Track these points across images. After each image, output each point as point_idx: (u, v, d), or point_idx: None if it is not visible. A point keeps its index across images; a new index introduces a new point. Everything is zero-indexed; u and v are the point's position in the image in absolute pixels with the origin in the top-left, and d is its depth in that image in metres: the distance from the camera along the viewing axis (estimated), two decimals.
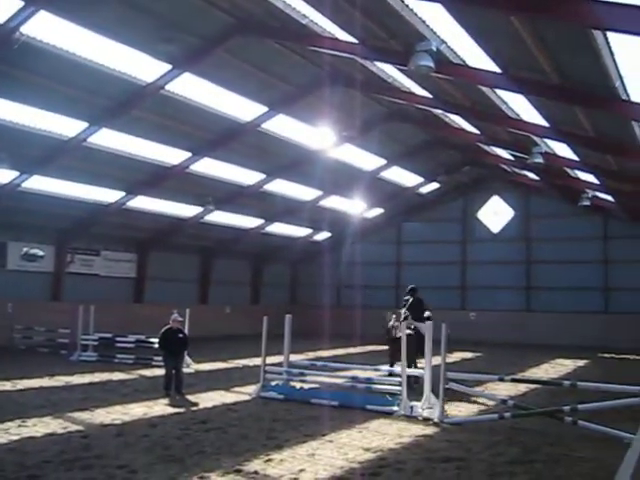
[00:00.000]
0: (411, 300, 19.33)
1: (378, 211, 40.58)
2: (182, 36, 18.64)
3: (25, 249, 28.93)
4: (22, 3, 16.01)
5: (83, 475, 8.27)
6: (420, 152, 31.28)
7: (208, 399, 14.77)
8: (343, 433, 11.23)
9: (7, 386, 15.99)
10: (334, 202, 36.71)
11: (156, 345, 20.41)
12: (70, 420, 11.87)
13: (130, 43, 18.58)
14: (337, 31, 18.18)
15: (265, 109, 24.15)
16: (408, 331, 14.68)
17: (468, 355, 27.69)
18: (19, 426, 11.20)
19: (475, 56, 16.55)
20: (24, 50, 17.30)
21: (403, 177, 35.46)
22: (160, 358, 20.70)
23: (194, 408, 13.62)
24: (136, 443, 10.11)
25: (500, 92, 19.24)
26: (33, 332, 25.73)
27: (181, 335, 15.83)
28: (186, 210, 31.96)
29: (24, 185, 24.77)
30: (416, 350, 15.77)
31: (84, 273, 31.29)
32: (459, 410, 13.78)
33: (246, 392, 15.53)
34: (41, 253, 29.52)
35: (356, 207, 38.09)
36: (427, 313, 17.90)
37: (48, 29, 17.58)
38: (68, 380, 17.38)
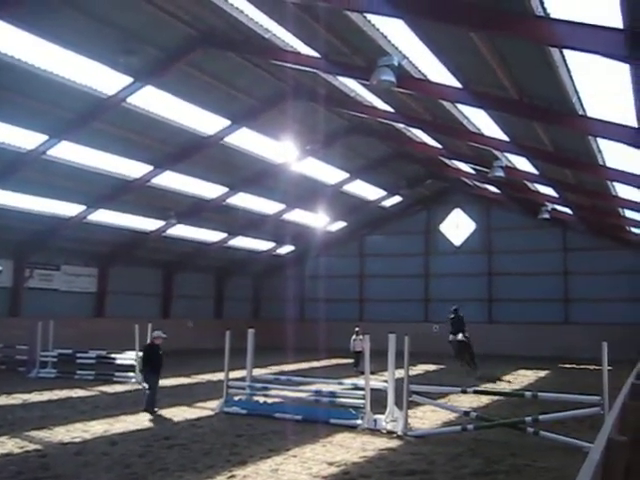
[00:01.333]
0: (453, 317, 25.66)
1: (341, 224, 40.72)
2: (144, 48, 18.56)
3: None
4: None
5: None
6: (383, 165, 31.51)
7: (171, 415, 14.59)
8: (307, 447, 11.18)
9: None
10: (297, 216, 36.76)
11: (128, 361, 20.30)
12: (28, 439, 11.61)
13: (91, 55, 18.43)
14: (300, 45, 18.26)
15: (228, 122, 24.12)
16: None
17: (431, 367, 27.81)
18: None
19: (436, 71, 16.78)
20: None
21: (366, 190, 35.66)
22: (119, 374, 20.64)
23: (156, 425, 13.43)
24: (96, 462, 9.93)
25: (461, 107, 19.50)
26: None
27: (161, 352, 15.60)
28: (148, 224, 31.70)
29: None
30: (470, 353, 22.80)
31: (44, 288, 30.78)
32: (422, 422, 13.83)
33: (209, 407, 15.39)
34: None
35: (319, 220, 38.20)
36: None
37: (7, 41, 17.35)
38: (26, 398, 17.01)
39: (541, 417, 11.38)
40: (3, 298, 29.07)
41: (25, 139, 21.96)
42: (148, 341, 15.51)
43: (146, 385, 15.41)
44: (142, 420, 13.85)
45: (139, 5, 16.72)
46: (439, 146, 25.45)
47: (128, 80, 20.00)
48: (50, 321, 22.72)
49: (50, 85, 19.30)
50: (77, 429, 12.66)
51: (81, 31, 17.27)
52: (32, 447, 10.96)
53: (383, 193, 36.53)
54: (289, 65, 19.16)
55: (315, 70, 19.14)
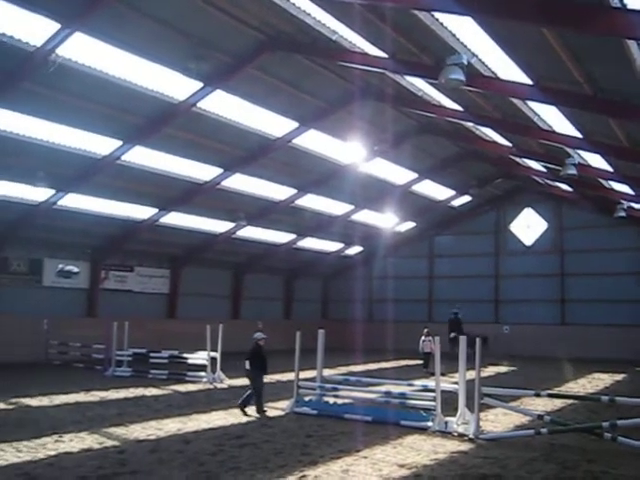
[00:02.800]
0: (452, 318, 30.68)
1: (410, 225, 40.46)
2: (213, 54, 18.86)
3: (60, 266, 29.37)
4: (58, 26, 16.34)
5: None
6: (452, 165, 31.17)
7: (242, 415, 14.77)
8: (377, 449, 11.15)
9: (44, 401, 16.18)
10: (365, 216, 36.71)
11: (200, 361, 20.65)
12: (106, 435, 11.96)
13: (162, 61, 18.88)
14: (367, 46, 18.27)
15: (296, 125, 24.30)
16: None
17: (502, 369, 27.36)
18: (56, 441, 11.32)
19: (506, 68, 16.53)
20: (59, 71, 17.65)
21: (435, 190, 35.35)
22: (191, 374, 21.02)
23: (228, 424, 13.63)
24: (171, 459, 10.15)
25: (532, 104, 19.12)
26: (68, 348, 26.04)
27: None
28: (218, 226, 32.19)
29: (60, 203, 25.20)
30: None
31: (118, 289, 31.65)
32: (494, 426, 13.61)
33: (280, 407, 15.50)
34: (76, 270, 29.93)
35: (388, 221, 38.06)
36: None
37: (83, 50, 17.95)
38: (103, 395, 17.53)
39: (619, 422, 11.04)
40: (80, 299, 30.03)
41: (100, 145, 22.68)
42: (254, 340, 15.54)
43: (252, 386, 15.42)
44: (214, 419, 14.08)
45: (208, 12, 17.03)
46: (509, 144, 25.03)
47: (198, 85, 20.38)
48: (125, 322, 23.33)
49: (124, 92, 19.85)
50: (152, 427, 12.96)
51: (153, 39, 17.73)
52: (110, 443, 11.29)
53: (452, 193, 36.14)
54: (356, 66, 19.19)
55: (382, 70, 19.11)
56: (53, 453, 10.41)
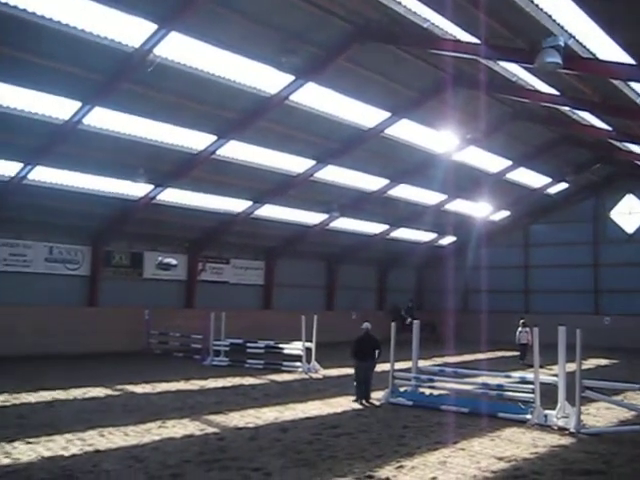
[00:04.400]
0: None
1: (504, 214, 39.61)
2: (304, 47, 19.00)
3: (160, 258, 30.37)
4: (155, 26, 16.86)
5: (221, 476, 8.57)
6: (547, 151, 30.30)
7: (337, 404, 14.91)
8: (475, 441, 11.03)
9: (147, 389, 16.85)
10: (459, 206, 36.18)
11: (295, 352, 21.00)
12: (206, 423, 12.34)
13: (255, 57, 19.16)
14: (459, 32, 17.99)
15: (388, 115, 24.20)
16: None
17: (603, 362, 26.46)
18: (160, 427, 11.77)
19: (606, 49, 15.90)
20: (157, 71, 18.20)
21: (530, 178, 34.44)
22: (287, 364, 21.37)
23: (324, 413, 13.78)
24: (269, 447, 10.37)
25: (635, 85, 18.34)
26: (168, 337, 26.90)
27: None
28: (312, 217, 32.46)
29: (158, 198, 26.02)
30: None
31: (215, 281, 32.43)
32: (596, 420, 13.21)
33: (375, 398, 15.53)
34: (175, 262, 30.88)
35: (481, 210, 37.39)
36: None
37: (179, 49, 18.41)
38: (202, 384, 18.05)
39: None
40: (179, 290, 30.98)
41: (196, 141, 23.22)
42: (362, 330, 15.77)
43: (360, 375, 15.62)
44: (310, 409, 14.27)
45: (298, 5, 17.18)
46: (608, 128, 24.11)
47: (290, 79, 20.59)
48: (222, 312, 23.90)
49: (218, 88, 20.29)
50: (250, 415, 13.27)
51: (245, 35, 18.02)
52: (210, 430, 11.64)
53: (548, 180, 35.12)
54: (448, 53, 18.91)
55: (475, 57, 18.75)
56: (157, 438, 10.83)
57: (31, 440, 10.40)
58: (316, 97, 22.40)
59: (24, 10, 15.62)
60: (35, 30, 16.18)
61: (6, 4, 15.29)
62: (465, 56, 18.76)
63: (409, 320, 28.90)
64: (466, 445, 10.70)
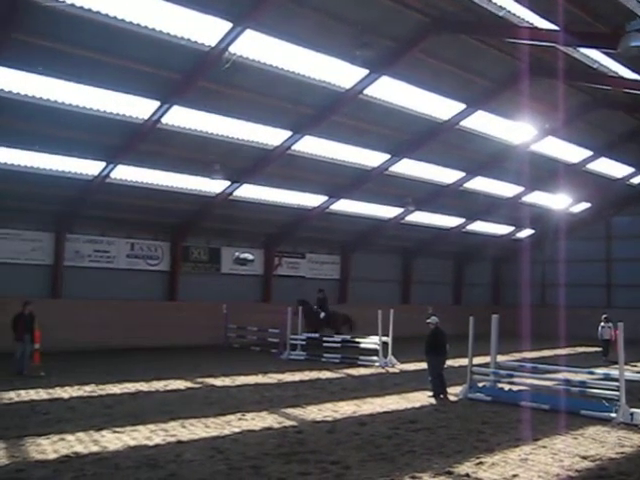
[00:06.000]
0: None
1: (584, 206, 38.49)
2: (378, 40, 18.93)
3: (237, 254, 30.87)
4: (230, 25, 17.11)
5: (300, 469, 8.65)
6: (630, 140, 29.31)
7: (415, 399, 14.84)
8: (557, 439, 10.78)
9: (226, 382, 17.16)
10: (536, 198, 35.38)
11: (372, 346, 20.99)
12: (284, 416, 12.47)
13: (329, 51, 19.20)
14: (536, 19, 17.58)
15: (463, 106, 23.87)
16: None
17: None
18: (239, 419, 11.98)
19: None
20: (233, 68, 18.46)
21: (612, 168, 33.35)
22: (364, 358, 21.36)
23: (402, 408, 13.74)
24: (348, 440, 10.40)
25: None
26: (246, 331, 27.32)
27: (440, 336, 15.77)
28: (386, 211, 32.34)
29: (235, 194, 26.43)
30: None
31: (291, 275, 32.72)
32: None
33: (452, 393, 15.37)
34: (251, 257, 31.32)
35: (560, 202, 36.45)
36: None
37: (253, 46, 18.63)
38: (280, 378, 18.25)
39: None
40: (256, 285, 31.40)
41: (271, 136, 23.46)
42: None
43: (432, 370, 15.54)
44: (388, 403, 14.25)
45: None
46: None
47: (364, 72, 20.54)
48: (298, 306, 24.06)
49: (292, 84, 20.44)
50: (327, 409, 13.34)
51: (319, 30, 18.09)
52: (289, 423, 11.77)
53: (631, 170, 33.92)
54: (525, 42, 18.51)
55: (554, 44, 18.29)
56: (237, 430, 11.02)
57: (117, 429, 10.76)
58: (390, 90, 22.28)
59: (106, 15, 16.13)
60: (116, 33, 16.70)
61: (89, 10, 15.82)
62: (543, 44, 18.31)
63: (323, 314, 27.85)
64: (548, 442, 10.46)
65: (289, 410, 13.10)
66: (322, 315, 27.74)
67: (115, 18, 16.29)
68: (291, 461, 9.02)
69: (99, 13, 16.01)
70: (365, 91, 21.53)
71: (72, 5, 15.59)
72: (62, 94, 18.94)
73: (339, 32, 18.28)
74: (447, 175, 29.94)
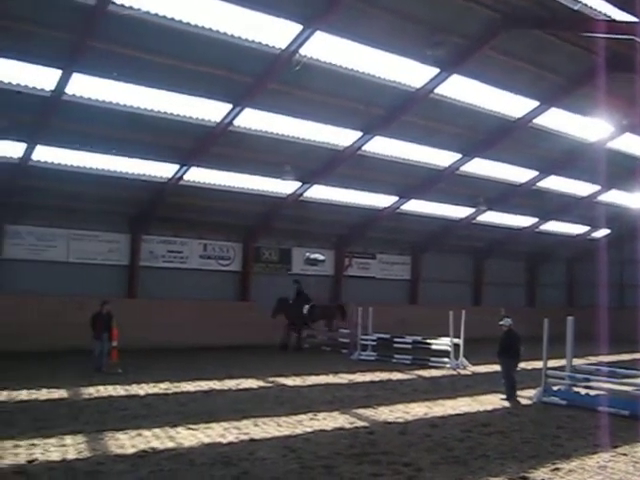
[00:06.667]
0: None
1: None
2: (448, 38, 18.77)
3: (307, 254, 31.06)
4: (300, 27, 17.26)
5: (372, 469, 8.63)
6: None
7: (487, 402, 14.62)
8: (638, 447, 10.40)
9: (297, 381, 17.28)
10: (613, 197, 34.33)
11: (443, 347, 20.84)
12: (356, 416, 12.48)
13: (399, 51, 19.17)
14: (613, 11, 17.08)
15: (536, 104, 23.40)
16: None
17: None
18: (311, 419, 12.04)
19: None
20: (303, 70, 18.63)
21: None
22: (435, 359, 21.18)
23: (474, 410, 13.57)
24: (419, 442, 10.33)
25: None
26: (316, 332, 27.40)
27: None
28: (457, 211, 32.00)
29: (306, 195, 26.61)
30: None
31: (361, 276, 32.72)
32: None
33: (525, 396, 15.07)
34: (322, 257, 31.49)
35: (639, 201, 35.26)
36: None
37: (324, 48, 18.76)
38: (351, 378, 18.26)
39: None
40: (326, 285, 31.53)
41: (341, 137, 23.55)
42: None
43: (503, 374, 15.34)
44: (460, 405, 14.08)
45: None
46: None
47: (434, 71, 20.39)
48: (369, 307, 24.07)
49: (362, 85, 20.48)
50: (398, 410, 13.28)
51: (389, 30, 18.06)
52: (360, 424, 11.76)
53: None
54: (602, 35, 17.97)
55: (632, 37, 17.68)
56: (309, 430, 11.08)
57: (192, 426, 10.97)
58: (461, 89, 22.05)
59: (179, 21, 16.57)
60: (189, 38, 17.11)
61: (164, 17, 16.26)
62: (621, 37, 17.75)
63: (307, 307, 26.03)
64: (628, 450, 10.11)
65: (360, 410, 13.10)
66: (305, 309, 26.04)
67: (188, 24, 16.72)
68: (363, 462, 9.01)
69: (173, 19, 16.47)
70: (436, 90, 21.36)
71: (147, 13, 16.06)
72: (137, 99, 19.54)
73: (410, 31, 18.21)
74: (520, 174, 29.41)
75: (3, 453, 8.97)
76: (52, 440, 9.73)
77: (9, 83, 17.65)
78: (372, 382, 17.66)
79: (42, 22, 15.65)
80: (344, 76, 19.91)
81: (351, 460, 9.10)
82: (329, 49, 18.94)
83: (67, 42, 16.29)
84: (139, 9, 15.87)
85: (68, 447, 9.40)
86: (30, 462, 8.58)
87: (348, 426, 11.52)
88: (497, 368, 16.25)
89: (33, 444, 9.47)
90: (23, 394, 13.99)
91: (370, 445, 10.06)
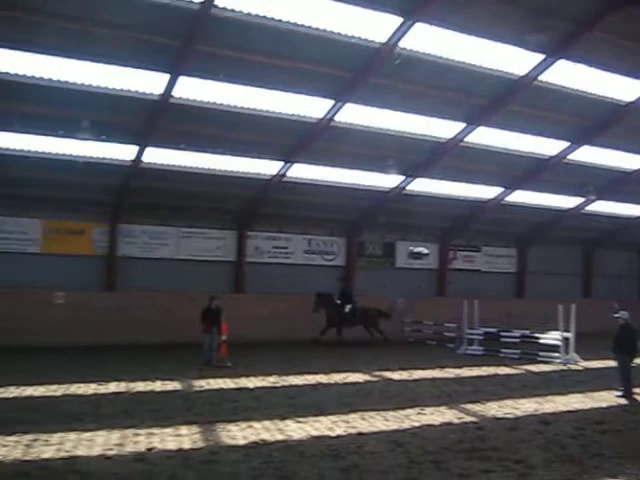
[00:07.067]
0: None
1: None
2: (553, 23, 18.12)
3: (411, 248, 30.90)
4: (400, 20, 17.16)
5: (482, 466, 8.53)
6: None
7: (600, 398, 14.13)
8: None
9: (404, 375, 17.27)
10: None
11: (552, 342, 20.34)
12: (464, 411, 12.35)
13: (500, 39, 18.67)
14: None
15: None
16: None
17: None
18: (418, 413, 12.01)
19: None
20: (404, 62, 18.57)
21: None
22: (544, 354, 20.66)
23: (587, 407, 13.14)
24: (530, 439, 10.12)
25: None
26: (421, 325, 27.25)
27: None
28: (565, 201, 30.93)
29: (408, 188, 26.46)
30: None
31: (466, 269, 32.25)
32: None
33: None
34: (426, 251, 31.25)
35: None
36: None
37: (424, 39, 18.54)
38: (457, 372, 18.08)
39: None
40: (430, 279, 31.32)
41: (443, 129, 23.25)
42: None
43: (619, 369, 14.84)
44: (572, 402, 13.68)
45: None
46: None
47: (539, 58, 19.77)
48: (474, 300, 23.70)
49: (463, 74, 20.09)
50: (507, 405, 13.05)
51: (491, 18, 17.58)
52: (468, 419, 11.64)
53: None
54: None
55: None
56: (417, 424, 11.06)
57: (300, 419, 11.18)
58: (567, 74, 21.23)
59: (279, 20, 16.82)
60: (289, 36, 17.35)
61: (264, 17, 16.58)
62: None
63: (348, 307, 25.33)
64: None
65: (468, 406, 12.95)
66: (347, 309, 25.35)
67: (288, 22, 16.94)
68: (472, 457, 8.92)
69: (273, 19, 16.74)
70: (540, 77, 20.68)
71: (248, 14, 16.39)
72: (241, 99, 19.98)
73: (511, 18, 17.68)
74: (633, 161, 28.07)
75: (124, 441, 9.44)
76: (168, 430, 10.16)
77: (121, 89, 18.52)
78: (479, 377, 17.42)
79: (151, 30, 16.30)
80: (444, 67, 19.62)
81: (460, 455, 9.03)
82: (429, 40, 18.71)
83: (173, 48, 16.89)
84: (240, 11, 16.24)
85: (183, 437, 9.79)
86: (149, 450, 9.00)
87: (456, 421, 11.42)
88: (611, 363, 15.67)
89: (151, 433, 9.93)
90: (140, 386, 14.65)
91: (479, 441, 9.95)
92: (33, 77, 17.56)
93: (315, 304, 24.81)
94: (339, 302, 25.41)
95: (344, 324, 25.05)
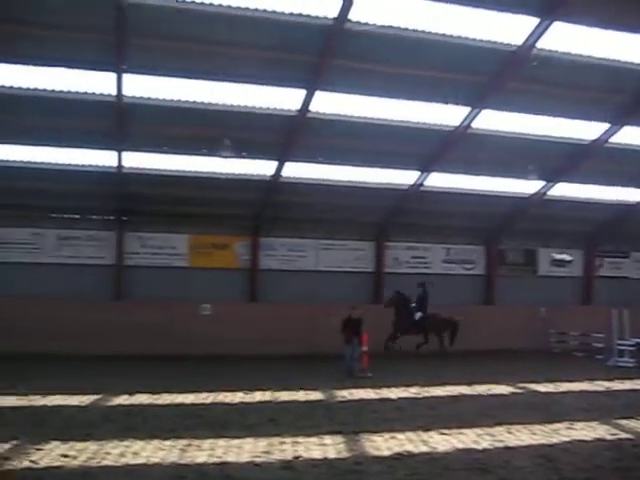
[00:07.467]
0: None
1: None
2: None
3: (554, 255, 29.81)
4: (536, 20, 16.69)
5: None
6: None
7: None
8: None
9: (550, 388, 16.62)
10: None
11: None
12: (617, 427, 11.69)
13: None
14: None
15: None
16: None
17: None
18: (567, 428, 11.50)
19: None
20: (541, 64, 18.04)
21: None
22: None
23: None
24: None
25: None
26: (566, 336, 26.19)
27: None
28: None
29: (549, 193, 25.60)
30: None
31: (614, 276, 30.69)
32: None
33: None
34: (569, 258, 30.07)
35: None
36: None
37: (562, 39, 17.91)
38: (608, 385, 17.17)
39: None
40: (575, 287, 30.03)
41: (586, 130, 22.39)
42: None
43: None
44: None
45: None
46: None
47: None
48: (624, 309, 22.51)
49: (605, 72, 19.23)
50: None
51: (632, 8, 16.72)
52: (623, 435, 10.98)
53: None
54: None
55: None
56: (566, 439, 10.59)
57: (444, 431, 11.00)
58: None
59: (413, 30, 16.98)
60: (422, 46, 17.45)
61: (397, 27, 16.73)
62: None
63: (418, 315, 23.20)
64: None
65: (622, 421, 12.23)
66: (417, 316, 23.33)
67: (422, 32, 16.98)
68: (629, 477, 8.45)
69: (406, 29, 16.84)
70: None
71: (381, 26, 16.52)
72: (375, 110, 20.14)
73: None
74: None
75: (271, 449, 9.71)
76: (313, 439, 10.32)
77: (260, 107, 19.27)
78: (632, 390, 16.46)
79: (287, 48, 16.85)
80: (583, 65, 18.83)
81: (615, 474, 8.56)
82: (566, 38, 18.06)
83: (309, 64, 17.35)
84: (374, 24, 16.39)
85: (328, 446, 9.91)
86: (296, 458, 9.19)
87: (609, 437, 10.84)
88: None
89: (296, 442, 10.13)
90: (284, 395, 15.01)
91: (637, 459, 9.40)
92: (179, 100, 18.71)
93: (389, 300, 23.59)
94: (413, 306, 23.58)
95: (409, 331, 23.37)
